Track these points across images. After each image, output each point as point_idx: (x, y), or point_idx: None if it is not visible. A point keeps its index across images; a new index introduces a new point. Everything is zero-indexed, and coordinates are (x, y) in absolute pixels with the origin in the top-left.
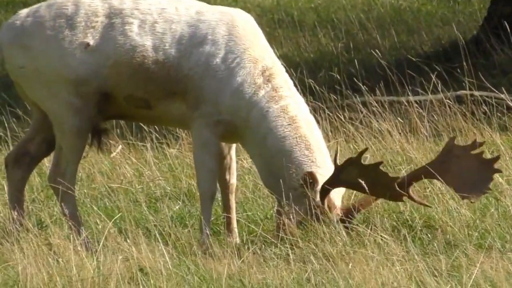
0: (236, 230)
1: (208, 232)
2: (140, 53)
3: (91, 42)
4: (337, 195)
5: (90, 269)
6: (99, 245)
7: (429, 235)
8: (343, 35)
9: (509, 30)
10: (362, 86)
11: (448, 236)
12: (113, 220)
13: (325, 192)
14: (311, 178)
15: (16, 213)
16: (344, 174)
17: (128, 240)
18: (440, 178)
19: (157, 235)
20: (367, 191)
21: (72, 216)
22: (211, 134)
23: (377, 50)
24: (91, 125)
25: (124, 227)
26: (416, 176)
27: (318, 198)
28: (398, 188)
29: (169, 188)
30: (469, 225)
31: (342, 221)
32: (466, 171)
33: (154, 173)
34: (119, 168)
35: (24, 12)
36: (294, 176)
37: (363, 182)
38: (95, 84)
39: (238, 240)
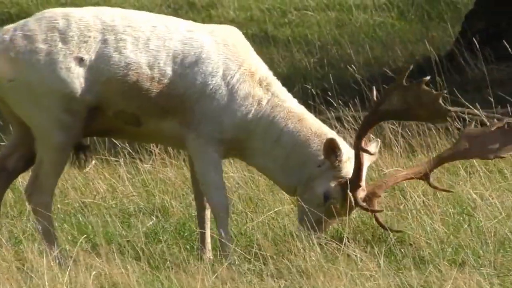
0: (210, 245)
1: (231, 246)
2: (135, 70)
3: (85, 57)
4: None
5: (63, 285)
6: (71, 261)
7: (402, 251)
8: (317, 50)
9: (483, 45)
10: (336, 101)
11: (421, 252)
12: (84, 236)
13: (365, 130)
14: (332, 144)
15: None
16: (386, 104)
17: (101, 256)
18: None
19: (130, 250)
20: (411, 115)
21: (47, 231)
22: (214, 152)
23: (352, 66)
24: (76, 141)
25: (97, 242)
26: (441, 160)
27: (342, 165)
28: (443, 105)
29: (142, 204)
30: (443, 240)
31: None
32: (488, 142)
33: (127, 189)
34: (92, 184)
35: (10, 26)
36: (317, 155)
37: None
38: (88, 100)
39: (211, 255)
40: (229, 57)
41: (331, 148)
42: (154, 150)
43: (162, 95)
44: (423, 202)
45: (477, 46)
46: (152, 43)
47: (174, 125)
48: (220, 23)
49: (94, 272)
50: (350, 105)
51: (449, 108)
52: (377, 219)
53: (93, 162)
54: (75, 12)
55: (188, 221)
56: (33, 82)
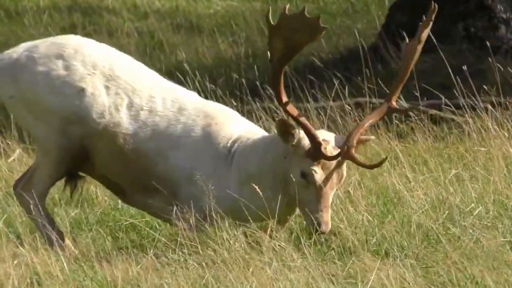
0: None
1: None
2: (122, 135)
3: (87, 88)
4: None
5: None
6: None
7: (327, 241)
8: (242, 41)
9: (406, 38)
10: (262, 92)
11: (345, 243)
12: (8, 226)
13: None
14: (284, 124)
15: None
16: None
17: (26, 245)
18: None
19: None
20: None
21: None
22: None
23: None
24: (75, 160)
25: (22, 232)
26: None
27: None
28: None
29: (67, 193)
30: (367, 231)
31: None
32: None
33: None
34: (18, 173)
35: (23, 45)
36: (277, 152)
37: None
38: (83, 128)
39: None
40: (216, 148)
41: (285, 130)
42: None
43: (143, 170)
44: (348, 192)
45: (401, 38)
46: (143, 113)
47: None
48: (145, 13)
49: (16, 261)
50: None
51: (374, 100)
52: (361, 164)
53: (18, 151)
54: (86, 46)
55: (112, 211)
56: (30, 100)
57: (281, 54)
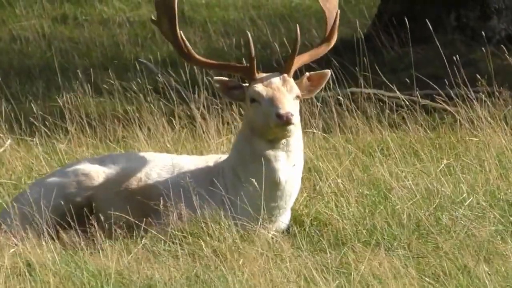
0: None
1: None
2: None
3: None
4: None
5: None
6: None
7: (318, 232)
8: (234, 32)
9: (399, 28)
10: None
11: (337, 233)
12: None
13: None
14: (224, 84)
15: None
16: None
17: (17, 236)
18: None
19: (46, 230)
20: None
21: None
22: None
23: (264, 47)
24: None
25: (14, 222)
26: None
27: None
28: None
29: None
30: (358, 222)
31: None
32: None
33: (43, 168)
34: (8, 163)
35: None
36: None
37: None
38: None
39: None
40: None
41: (226, 87)
42: (71, 130)
43: None
44: (339, 183)
45: (393, 28)
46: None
47: None
48: (137, 3)
49: (11, 250)
50: None
51: (368, 90)
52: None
53: (9, 141)
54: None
55: None
56: None
57: (167, 27)
